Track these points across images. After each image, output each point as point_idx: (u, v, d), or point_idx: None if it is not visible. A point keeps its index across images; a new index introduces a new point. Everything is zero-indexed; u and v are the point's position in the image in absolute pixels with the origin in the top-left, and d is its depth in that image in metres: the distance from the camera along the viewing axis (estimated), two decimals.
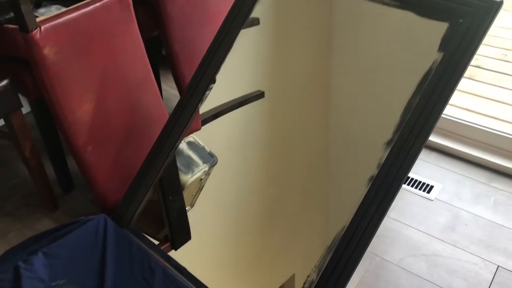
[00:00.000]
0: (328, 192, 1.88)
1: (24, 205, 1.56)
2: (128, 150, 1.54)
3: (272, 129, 1.87)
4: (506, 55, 2.48)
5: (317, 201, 1.90)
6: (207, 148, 1.61)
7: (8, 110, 1.29)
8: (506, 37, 2.62)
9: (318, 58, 1.69)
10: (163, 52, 2.19)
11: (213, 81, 1.38)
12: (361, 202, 0.93)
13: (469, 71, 2.35)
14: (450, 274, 1.43)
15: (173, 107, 1.30)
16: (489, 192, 1.71)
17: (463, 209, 1.65)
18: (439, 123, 0.94)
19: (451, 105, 2.06)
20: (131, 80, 1.53)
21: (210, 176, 1.59)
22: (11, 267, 1.15)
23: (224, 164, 1.65)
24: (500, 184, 1.74)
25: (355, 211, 0.94)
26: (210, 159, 1.61)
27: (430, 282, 1.41)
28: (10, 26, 1.27)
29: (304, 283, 0.98)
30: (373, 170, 0.98)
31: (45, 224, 1.49)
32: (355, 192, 1.02)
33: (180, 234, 1.50)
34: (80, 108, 1.37)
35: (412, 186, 1.77)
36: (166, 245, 1.45)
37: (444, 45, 0.96)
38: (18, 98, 1.31)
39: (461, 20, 0.94)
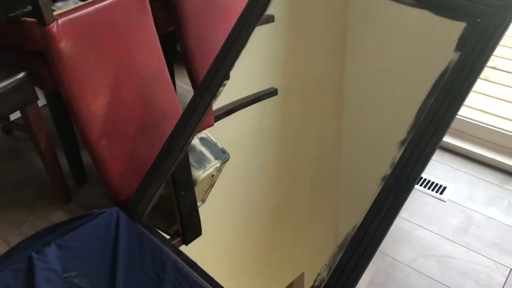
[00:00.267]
0: (339, 191, 1.88)
1: (38, 197, 1.58)
2: (141, 145, 1.55)
3: (284, 126, 1.87)
4: None
5: (328, 199, 1.90)
6: (219, 145, 1.61)
7: (24, 102, 1.30)
8: None
9: (333, 56, 1.69)
10: (178, 48, 2.21)
11: (227, 77, 1.38)
12: (374, 201, 0.93)
13: (485, 72, 2.32)
14: (462, 276, 1.42)
15: (187, 103, 1.31)
16: (502, 194, 1.69)
17: (476, 211, 1.63)
18: (453, 124, 0.93)
19: (465, 106, 2.04)
20: (145, 75, 1.54)
21: (222, 173, 1.60)
22: (25, 257, 1.17)
23: (236, 160, 1.65)
24: None
25: (367, 210, 0.94)
26: (222, 155, 1.61)
27: (441, 283, 1.40)
28: (28, 19, 1.29)
29: (315, 281, 0.98)
30: (386, 170, 0.98)
31: (59, 216, 1.51)
32: (367, 191, 1.01)
33: (191, 229, 1.50)
34: (94, 102, 1.39)
35: (425, 186, 1.75)
36: (177, 240, 1.46)
37: (461, 45, 0.95)
38: (34, 91, 1.33)
39: (479, 20, 0.93)
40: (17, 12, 1.28)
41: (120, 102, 1.47)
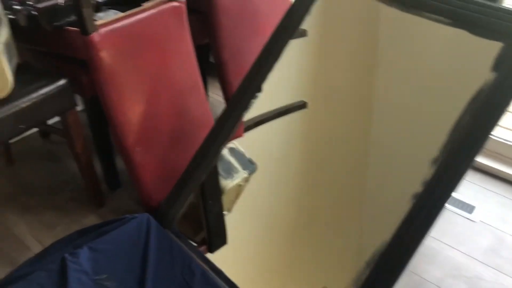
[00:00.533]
0: (365, 206, 1.86)
1: (72, 200, 1.63)
2: (173, 153, 1.59)
3: (312, 140, 1.87)
4: None
5: (353, 214, 1.89)
6: (247, 155, 1.63)
7: (64, 108, 1.35)
8: None
9: (363, 71, 1.69)
10: (210, 59, 2.25)
11: (259, 90, 1.40)
12: (404, 218, 0.93)
13: None
14: None
15: (218, 113, 1.33)
16: None
17: (507, 233, 1.60)
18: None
19: (499, 126, 2.00)
20: (180, 85, 1.57)
21: (249, 183, 1.61)
22: (58, 258, 1.20)
23: (263, 172, 1.66)
24: None
25: (397, 227, 0.94)
26: (249, 166, 1.63)
27: None
28: (71, 28, 1.34)
29: None
30: (417, 187, 0.97)
31: (91, 219, 1.55)
32: (396, 208, 1.01)
33: (217, 238, 1.52)
34: (131, 109, 1.43)
35: (454, 205, 1.73)
36: (203, 247, 1.48)
37: (497, 65, 0.94)
38: (74, 97, 1.38)
39: None
40: (61, 22, 1.34)
41: (155, 111, 1.51)
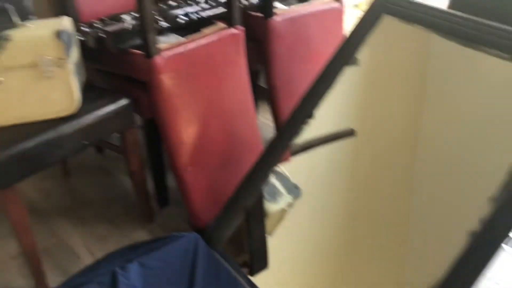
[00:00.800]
0: (411, 239, 1.82)
1: (123, 215, 1.68)
2: (222, 174, 1.62)
3: (359, 168, 1.86)
4: None
5: (397, 246, 1.85)
6: (293, 180, 1.64)
7: (125, 126, 1.41)
8: None
9: (412, 103, 1.68)
10: (260, 83, 2.29)
11: (311, 116, 1.42)
12: (460, 257, 0.91)
13: None
14: None
15: (266, 137, 1.35)
16: None
17: None
18: None
19: None
20: (233, 108, 1.61)
21: (292, 208, 1.62)
22: (109, 272, 1.24)
23: (307, 197, 1.66)
24: None
25: (451, 265, 0.92)
26: (294, 190, 1.63)
27: None
28: (135, 51, 1.41)
29: None
30: (473, 224, 0.95)
31: (140, 235, 1.59)
32: (446, 245, 0.99)
33: (258, 261, 1.52)
34: (186, 130, 1.48)
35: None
36: (244, 270, 1.49)
37: None
38: (134, 117, 1.44)
39: None
40: (127, 45, 1.41)
41: (207, 132, 1.56)
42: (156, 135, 1.60)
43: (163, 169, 1.66)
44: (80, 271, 1.27)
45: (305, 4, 1.82)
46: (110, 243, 1.56)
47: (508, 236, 0.93)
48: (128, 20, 1.48)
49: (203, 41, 1.47)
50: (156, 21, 1.44)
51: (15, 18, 1.21)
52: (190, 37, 1.48)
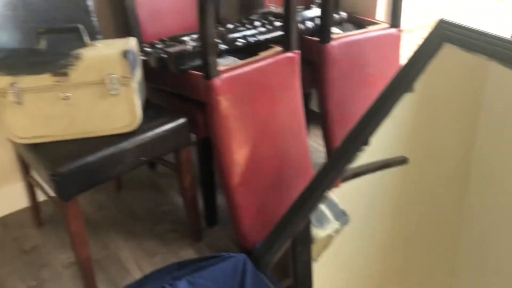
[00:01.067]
0: (460, 272, 1.75)
1: (172, 231, 1.70)
2: (272, 196, 1.62)
3: (410, 197, 1.82)
4: None
5: (445, 278, 1.78)
6: (341, 206, 1.62)
7: (181, 145, 1.44)
8: None
9: (468, 134, 1.63)
10: (311, 107, 2.30)
11: (366, 143, 1.40)
12: None
13: None
14: None
15: (316, 161, 1.34)
16: None
17: None
18: None
19: None
20: (286, 131, 1.62)
21: (339, 234, 1.59)
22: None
23: (354, 224, 1.64)
24: None
25: None
26: (342, 217, 1.61)
27: None
28: (195, 72, 1.44)
29: None
30: None
31: (188, 252, 1.60)
32: (494, 280, 0.94)
33: (302, 286, 1.50)
34: (239, 151, 1.49)
35: None
36: None
37: None
38: (190, 136, 1.47)
39: None
40: (187, 66, 1.45)
41: (260, 154, 1.56)
42: (209, 154, 1.63)
43: (214, 188, 1.68)
44: (129, 286, 1.29)
45: (361, 29, 1.82)
46: (159, 259, 1.58)
47: None
48: (189, 42, 1.53)
49: (260, 64, 1.49)
50: (217, 44, 1.47)
51: (86, 38, 1.28)
52: (248, 60, 1.51)
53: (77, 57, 1.21)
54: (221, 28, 1.68)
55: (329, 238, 1.61)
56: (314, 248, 1.58)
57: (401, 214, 1.82)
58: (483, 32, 1.25)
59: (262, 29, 1.67)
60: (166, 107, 1.55)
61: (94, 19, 1.53)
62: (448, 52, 1.37)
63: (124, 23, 1.66)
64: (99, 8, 1.69)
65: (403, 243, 1.83)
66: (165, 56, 1.46)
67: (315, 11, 1.85)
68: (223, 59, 1.58)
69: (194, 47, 1.46)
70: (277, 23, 1.70)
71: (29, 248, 1.65)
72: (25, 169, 1.60)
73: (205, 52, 1.35)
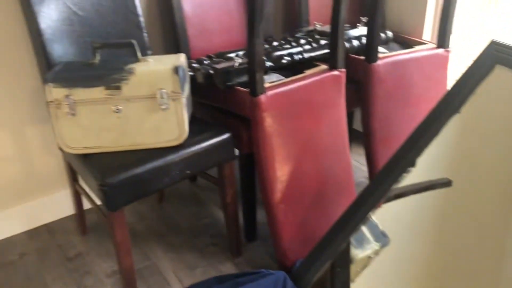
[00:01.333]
0: None
1: (212, 245, 1.71)
2: (313, 215, 1.61)
3: (451, 220, 1.77)
4: None
5: None
6: (381, 227, 1.59)
7: (225, 159, 1.46)
8: None
9: None
10: (353, 126, 2.28)
11: (412, 164, 1.38)
12: None
13: None
14: None
15: (356, 180, 1.32)
16: None
17: None
18: None
19: None
20: (329, 149, 1.61)
21: (378, 255, 1.56)
22: None
23: (394, 245, 1.60)
24: None
25: None
26: (382, 238, 1.58)
27: None
28: (241, 88, 1.46)
29: None
30: None
31: (227, 267, 1.61)
32: None
33: None
34: (281, 168, 1.49)
35: None
36: None
37: None
38: (234, 151, 1.48)
39: None
40: (233, 82, 1.47)
41: (303, 171, 1.56)
42: (251, 170, 1.64)
43: (254, 204, 1.68)
44: None
45: (408, 49, 1.81)
46: (198, 272, 1.59)
47: None
48: (235, 59, 1.55)
49: (306, 82, 1.50)
50: (264, 62, 1.49)
51: (139, 53, 1.32)
52: (293, 77, 1.51)
53: (130, 72, 1.25)
54: (266, 46, 1.70)
55: (368, 259, 1.58)
56: (352, 269, 1.56)
57: (443, 237, 1.77)
58: None
59: (307, 46, 1.68)
60: (211, 121, 1.57)
61: (145, 34, 1.58)
62: (500, 74, 1.34)
63: (173, 39, 1.71)
64: (149, 24, 1.75)
65: (444, 267, 1.78)
66: (212, 72, 1.49)
67: (361, 30, 1.85)
68: (267, 76, 1.59)
69: (240, 63, 1.49)
70: (322, 41, 1.71)
71: (73, 255, 1.70)
72: (73, 177, 1.65)
73: (253, 69, 1.37)
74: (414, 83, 1.80)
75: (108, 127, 1.29)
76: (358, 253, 1.53)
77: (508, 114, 1.56)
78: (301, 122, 1.51)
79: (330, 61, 1.58)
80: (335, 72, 1.56)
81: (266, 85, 1.44)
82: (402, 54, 1.76)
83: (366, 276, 1.59)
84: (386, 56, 1.71)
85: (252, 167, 1.61)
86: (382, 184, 1.40)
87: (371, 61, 1.65)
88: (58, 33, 1.42)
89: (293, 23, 2.02)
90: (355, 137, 2.25)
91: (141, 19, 1.56)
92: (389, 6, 2.05)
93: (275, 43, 1.75)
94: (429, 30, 2.00)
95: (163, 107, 1.27)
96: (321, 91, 1.54)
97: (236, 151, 1.54)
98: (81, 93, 1.25)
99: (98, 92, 1.25)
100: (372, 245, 1.55)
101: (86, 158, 1.33)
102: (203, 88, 1.56)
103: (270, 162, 1.46)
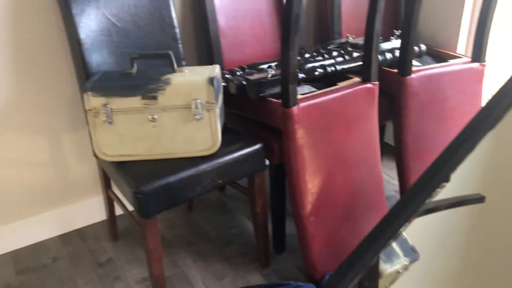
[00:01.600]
0: None
1: (240, 255, 1.72)
2: (344, 227, 1.60)
3: (484, 237, 1.72)
4: None
5: None
6: (410, 242, 1.56)
7: (255, 170, 1.47)
8: None
9: None
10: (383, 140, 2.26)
11: (447, 179, 1.36)
12: None
13: None
14: None
15: (386, 194, 1.30)
16: None
17: None
18: None
19: None
20: (361, 162, 1.60)
21: (406, 270, 1.54)
22: None
23: (423, 261, 1.57)
24: None
25: None
26: (412, 253, 1.55)
27: None
28: (273, 100, 1.47)
29: None
30: None
31: (256, 278, 1.61)
32: None
33: None
34: (312, 180, 1.49)
35: None
36: None
37: None
38: (265, 161, 1.49)
39: None
40: (266, 93, 1.48)
41: (333, 184, 1.55)
42: (281, 181, 1.64)
43: (284, 215, 1.68)
44: None
45: (442, 63, 1.79)
46: (227, 282, 1.60)
47: None
48: (268, 70, 1.56)
49: (338, 94, 1.50)
50: (297, 73, 1.50)
51: (175, 64, 1.34)
52: (326, 89, 1.52)
53: (167, 82, 1.27)
54: (298, 57, 1.71)
55: (396, 274, 1.55)
56: (381, 283, 1.53)
57: (474, 255, 1.73)
58: None
59: (340, 59, 1.68)
60: (242, 131, 1.58)
61: (180, 45, 1.61)
62: None
63: (207, 50, 1.73)
64: (184, 35, 1.78)
65: (473, 285, 1.74)
66: (245, 83, 1.51)
67: (393, 43, 1.84)
68: (299, 87, 1.60)
69: (273, 75, 1.50)
70: (355, 54, 1.71)
71: (104, 260, 1.73)
72: (106, 184, 1.69)
73: (286, 81, 1.37)
74: (448, 97, 1.77)
75: (143, 135, 1.32)
76: (387, 267, 1.50)
77: None
78: (333, 135, 1.51)
79: (364, 73, 1.57)
80: (368, 85, 1.56)
81: (299, 96, 1.44)
82: (436, 68, 1.74)
83: None
84: (419, 69, 1.70)
85: (283, 178, 1.61)
86: (415, 199, 1.37)
87: (404, 74, 1.64)
88: (96, 43, 1.46)
89: (325, 35, 2.02)
90: (385, 150, 2.23)
91: (177, 30, 1.59)
92: (422, 19, 2.04)
93: (307, 55, 1.75)
94: (463, 43, 1.98)
95: (197, 117, 1.29)
96: (354, 104, 1.53)
97: (267, 162, 1.55)
98: (118, 102, 1.28)
99: (135, 102, 1.28)
100: (401, 260, 1.52)
101: (121, 165, 1.36)
102: (235, 98, 1.58)
103: (301, 173, 1.46)
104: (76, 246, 1.81)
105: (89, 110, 1.29)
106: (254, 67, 1.70)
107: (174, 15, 1.59)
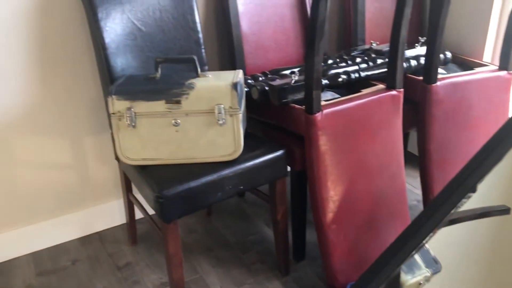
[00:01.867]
0: None
1: (259, 262, 1.70)
2: (366, 237, 1.57)
3: (509, 251, 1.68)
4: None
5: None
6: (432, 253, 1.53)
7: (277, 176, 1.46)
8: None
9: None
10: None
11: (474, 190, 1.33)
12: None
13: None
14: None
15: (409, 203, 1.27)
16: None
17: None
18: None
19: None
20: (384, 170, 1.58)
21: (428, 282, 1.50)
22: None
23: (445, 273, 1.54)
24: None
25: None
26: (433, 265, 1.52)
27: None
28: (296, 106, 1.46)
29: None
30: None
31: (275, 286, 1.59)
32: None
33: None
34: (334, 188, 1.47)
35: None
36: None
37: None
38: (287, 168, 1.48)
39: None
40: (288, 99, 1.47)
41: (356, 192, 1.53)
42: (303, 188, 1.62)
43: (304, 222, 1.66)
44: None
45: (468, 71, 1.76)
46: None
47: None
48: (290, 76, 1.55)
49: (362, 101, 1.48)
50: (321, 80, 1.48)
51: (198, 69, 1.34)
52: (350, 96, 1.50)
53: (190, 87, 1.27)
54: (322, 63, 1.69)
55: (418, 286, 1.53)
56: None
57: (497, 267, 1.69)
58: None
59: (364, 65, 1.66)
60: (264, 137, 1.57)
61: (203, 50, 1.61)
62: None
63: (229, 56, 1.73)
64: (207, 40, 1.78)
65: None
66: (267, 88, 1.50)
67: (418, 50, 1.81)
68: (322, 93, 1.58)
69: (296, 81, 1.49)
70: (379, 60, 1.69)
71: (123, 264, 1.73)
72: (127, 187, 1.69)
73: (310, 87, 1.36)
74: (474, 106, 1.74)
75: (166, 140, 1.31)
76: (408, 279, 1.48)
77: None
78: (356, 142, 1.49)
79: (388, 80, 1.55)
80: (393, 92, 1.54)
81: (322, 103, 1.43)
82: (462, 76, 1.71)
83: None
84: (445, 77, 1.67)
85: (304, 185, 1.59)
86: (440, 209, 1.34)
87: (429, 82, 1.61)
88: (121, 47, 1.47)
89: (348, 41, 2.01)
90: (408, 159, 2.19)
91: (200, 35, 1.59)
92: (448, 27, 2.01)
93: (330, 61, 1.74)
94: (490, 51, 1.94)
95: (220, 122, 1.28)
96: (378, 111, 1.51)
97: (288, 168, 1.53)
98: (142, 106, 1.29)
99: (158, 106, 1.28)
100: (423, 271, 1.49)
101: (143, 169, 1.36)
102: (257, 104, 1.57)
103: (323, 181, 1.44)
104: (96, 249, 1.81)
105: (113, 113, 1.30)
106: (277, 72, 1.69)
107: (198, 19, 1.59)
